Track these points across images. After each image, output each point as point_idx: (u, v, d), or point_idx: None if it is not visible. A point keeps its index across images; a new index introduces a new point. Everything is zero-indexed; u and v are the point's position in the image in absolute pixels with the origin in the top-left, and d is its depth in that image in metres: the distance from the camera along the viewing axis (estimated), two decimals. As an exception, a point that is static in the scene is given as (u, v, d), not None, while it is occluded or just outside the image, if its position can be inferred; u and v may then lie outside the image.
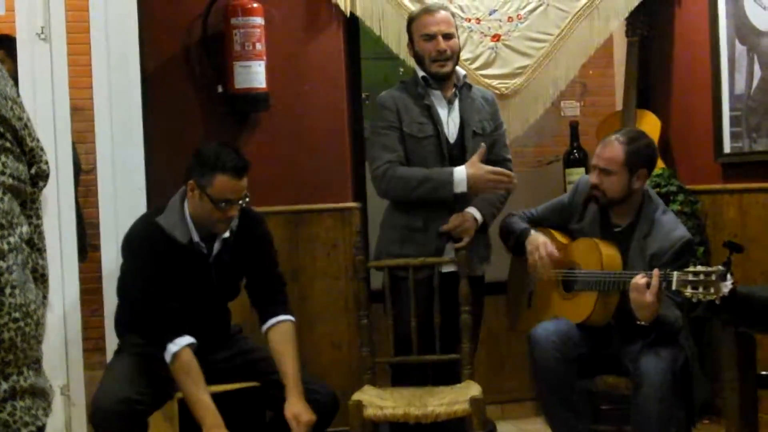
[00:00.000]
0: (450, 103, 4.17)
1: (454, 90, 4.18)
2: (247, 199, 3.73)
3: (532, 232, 4.14)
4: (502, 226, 4.31)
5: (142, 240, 3.73)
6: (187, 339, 3.61)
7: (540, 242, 4.06)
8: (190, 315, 3.78)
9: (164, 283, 3.68)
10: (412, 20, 4.22)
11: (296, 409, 3.62)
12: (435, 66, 4.10)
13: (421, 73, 4.17)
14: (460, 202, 4.11)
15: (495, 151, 4.25)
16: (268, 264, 3.95)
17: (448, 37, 4.11)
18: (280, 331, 3.82)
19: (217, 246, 3.78)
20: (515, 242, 4.22)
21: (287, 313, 3.87)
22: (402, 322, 4.07)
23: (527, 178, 5.56)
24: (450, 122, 4.15)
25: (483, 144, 4.04)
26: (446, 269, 4.13)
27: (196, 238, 3.73)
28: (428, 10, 4.21)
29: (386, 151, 4.09)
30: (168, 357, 3.59)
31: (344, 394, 3.92)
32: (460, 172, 4.00)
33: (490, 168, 4.02)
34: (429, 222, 4.10)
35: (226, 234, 3.78)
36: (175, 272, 3.71)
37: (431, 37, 4.10)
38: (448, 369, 4.14)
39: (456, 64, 4.18)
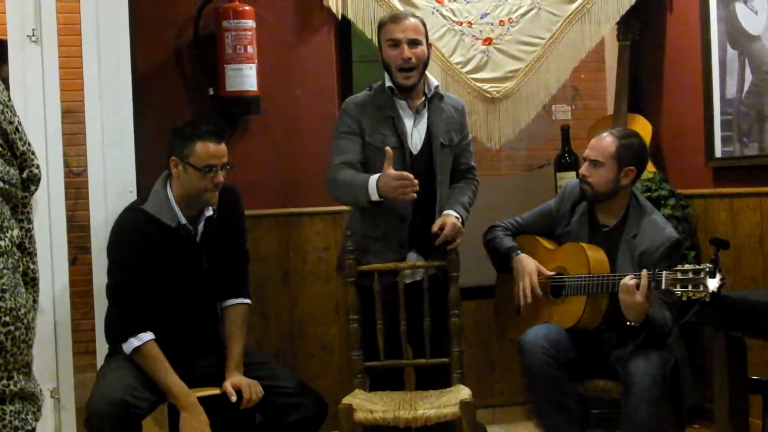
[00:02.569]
0: (417, 113, 4.08)
1: (423, 100, 4.10)
2: (229, 167, 3.83)
3: (520, 253, 4.18)
4: (487, 240, 4.33)
5: (131, 229, 3.77)
6: (150, 335, 3.68)
7: (527, 272, 4.09)
8: (180, 315, 3.82)
9: (153, 272, 3.74)
10: (380, 27, 4.13)
11: (236, 380, 3.76)
12: (400, 77, 4.00)
13: (388, 83, 4.07)
14: (420, 210, 4.03)
15: (463, 161, 4.22)
16: (240, 239, 4.05)
17: (414, 43, 4.00)
18: (236, 312, 3.97)
19: (201, 227, 3.85)
20: (501, 261, 4.25)
21: (245, 295, 4.02)
22: (372, 328, 4.03)
23: (518, 181, 5.56)
24: (415, 133, 4.07)
25: (389, 149, 3.90)
26: (411, 279, 4.09)
27: (183, 220, 3.79)
28: (395, 17, 4.09)
29: (338, 155, 4.04)
30: (128, 349, 3.66)
31: (334, 397, 3.91)
32: (373, 180, 3.89)
33: (394, 173, 3.84)
34: (388, 232, 4.04)
35: (209, 212, 3.86)
36: (166, 259, 3.77)
37: (396, 44, 4.00)
38: (430, 375, 4.12)
39: (423, 73, 4.07)
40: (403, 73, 4.00)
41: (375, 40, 4.43)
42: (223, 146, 3.78)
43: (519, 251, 4.18)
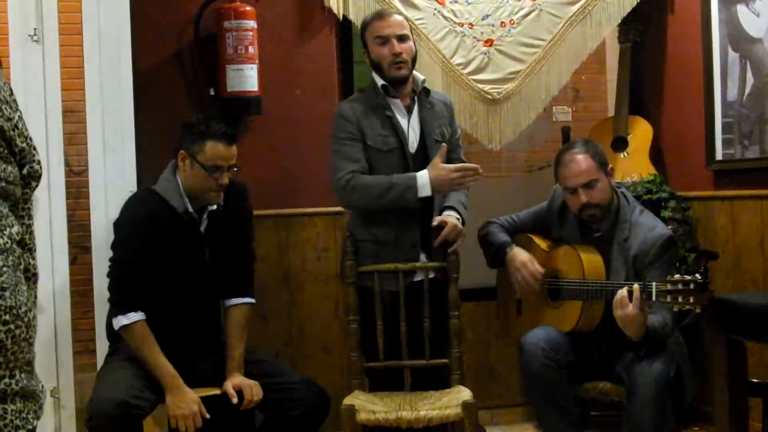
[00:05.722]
0: (409, 111, 4.08)
1: (412, 96, 4.10)
2: (236, 169, 3.84)
3: (514, 247, 4.18)
4: (482, 234, 4.32)
5: (141, 206, 3.79)
6: (140, 315, 3.67)
7: (521, 262, 4.11)
8: (182, 312, 3.83)
9: (155, 255, 3.74)
10: (365, 27, 4.13)
11: (237, 380, 3.74)
12: (393, 69, 4.00)
13: (380, 82, 4.06)
14: (427, 210, 4.04)
15: (455, 156, 4.20)
16: (246, 238, 4.04)
17: (402, 39, 4.02)
18: (240, 312, 3.95)
19: (206, 219, 3.85)
20: (494, 255, 4.24)
21: (250, 294, 4.00)
22: (373, 331, 4.03)
23: (518, 183, 5.58)
24: (410, 131, 4.07)
25: (444, 144, 3.98)
26: (418, 278, 4.08)
27: (190, 208, 3.80)
28: (380, 15, 4.11)
29: (348, 162, 4.00)
30: (116, 325, 3.68)
31: (334, 398, 3.91)
32: (423, 177, 3.92)
33: (452, 166, 3.95)
34: (400, 235, 4.02)
35: (214, 207, 3.86)
36: (170, 244, 3.77)
37: (385, 41, 4.01)
38: (427, 376, 4.11)
39: (413, 67, 4.08)
40: (396, 65, 4.00)
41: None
42: (233, 149, 3.79)
43: (513, 246, 4.18)
